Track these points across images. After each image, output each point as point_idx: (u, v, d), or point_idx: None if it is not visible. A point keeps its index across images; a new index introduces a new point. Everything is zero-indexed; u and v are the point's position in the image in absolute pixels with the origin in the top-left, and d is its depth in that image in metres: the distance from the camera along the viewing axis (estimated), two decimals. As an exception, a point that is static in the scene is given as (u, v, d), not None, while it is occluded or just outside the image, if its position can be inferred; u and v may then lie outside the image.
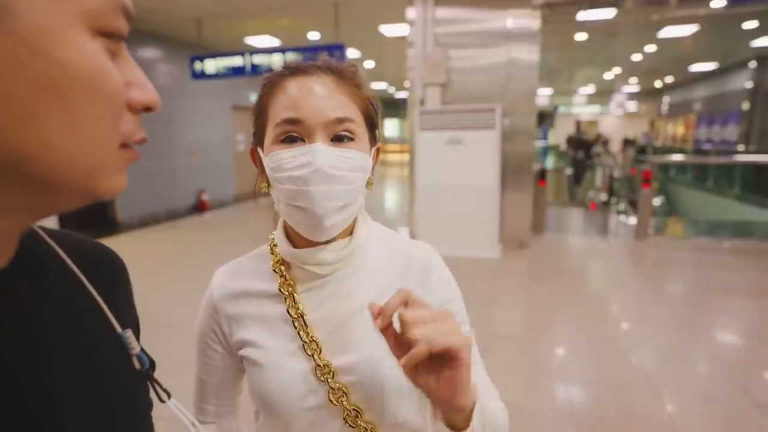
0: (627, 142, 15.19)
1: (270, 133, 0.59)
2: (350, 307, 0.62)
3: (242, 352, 0.64)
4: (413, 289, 0.60)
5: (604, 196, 8.33)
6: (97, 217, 6.47)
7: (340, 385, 0.59)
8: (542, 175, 5.84)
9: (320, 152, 0.55)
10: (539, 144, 14.28)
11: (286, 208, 0.59)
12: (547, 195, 6.32)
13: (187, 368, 2.75)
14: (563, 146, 16.51)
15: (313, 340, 0.60)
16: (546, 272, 4.46)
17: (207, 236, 6.57)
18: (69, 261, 0.38)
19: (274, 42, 7.98)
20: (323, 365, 0.59)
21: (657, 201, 8.94)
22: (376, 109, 0.65)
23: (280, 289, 0.63)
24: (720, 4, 4.83)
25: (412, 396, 0.63)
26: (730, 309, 3.50)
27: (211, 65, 6.60)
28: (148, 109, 0.32)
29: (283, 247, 0.63)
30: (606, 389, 2.43)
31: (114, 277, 0.43)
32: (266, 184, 0.63)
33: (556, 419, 2.18)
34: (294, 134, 0.57)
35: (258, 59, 6.39)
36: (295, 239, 0.63)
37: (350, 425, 0.59)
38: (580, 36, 8.44)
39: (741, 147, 11.10)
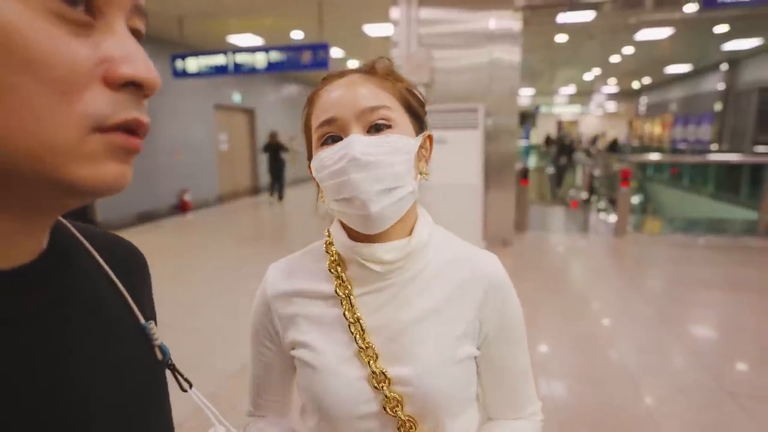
0: (594, 142, 15.71)
1: (314, 142, 0.60)
2: (408, 316, 0.60)
3: (295, 352, 0.63)
4: (478, 303, 0.63)
5: (584, 195, 8.50)
6: (75, 217, 6.31)
7: (396, 395, 0.57)
8: (524, 174, 5.94)
9: (354, 142, 0.55)
10: (521, 143, 14.49)
11: (335, 205, 0.58)
12: (529, 194, 6.43)
13: (180, 368, 2.76)
14: (543, 146, 16.85)
15: (370, 346, 0.58)
16: (529, 269, 4.54)
17: (191, 237, 6.48)
18: (96, 254, 0.39)
19: (257, 41, 7.91)
20: (379, 373, 0.57)
21: (635, 199, 9.17)
22: (418, 98, 0.64)
23: (336, 291, 0.61)
24: (693, 8, 4.99)
25: (466, 411, 0.63)
26: (704, 303, 3.63)
27: (192, 64, 6.52)
28: (139, 86, 0.28)
29: (341, 239, 0.61)
30: (587, 383, 2.50)
31: (136, 270, 0.44)
32: (324, 197, 0.62)
33: (539, 412, 2.24)
34: (333, 135, 0.58)
35: (241, 58, 6.33)
36: (353, 236, 0.61)
37: None
38: (561, 37, 8.59)
39: (714, 146, 11.46)
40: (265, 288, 0.67)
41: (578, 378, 2.55)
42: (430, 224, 0.65)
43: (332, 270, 0.62)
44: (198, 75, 6.56)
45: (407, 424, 0.57)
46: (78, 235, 0.38)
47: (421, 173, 0.62)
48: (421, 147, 0.63)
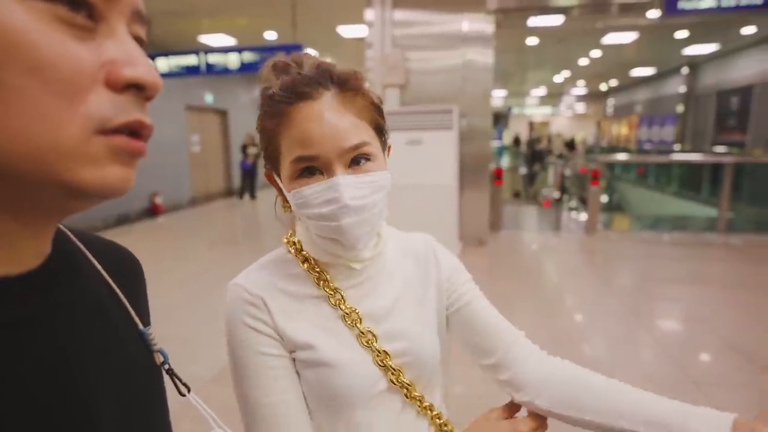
0: (549, 142, 16.32)
1: (286, 169, 0.59)
2: (386, 300, 0.67)
3: (298, 355, 0.62)
4: (430, 273, 0.71)
5: (556, 194, 8.72)
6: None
7: (397, 367, 0.64)
8: (498, 174, 6.05)
9: (343, 185, 0.56)
10: (495, 144, 14.78)
11: (318, 238, 0.62)
12: (504, 193, 6.55)
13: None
14: (513, 146, 17.31)
15: (369, 330, 0.64)
16: (504, 268, 4.63)
17: (163, 241, 6.32)
18: (94, 260, 0.39)
19: (229, 41, 7.79)
20: (381, 351, 0.64)
21: (605, 197, 9.46)
22: (382, 110, 0.65)
23: (325, 289, 0.65)
24: (655, 14, 5.20)
25: (434, 365, 0.71)
26: (670, 297, 3.78)
27: (162, 64, 6.36)
28: (141, 88, 0.29)
29: (323, 247, 0.63)
30: (561, 376, 2.56)
31: (132, 276, 0.44)
32: (287, 206, 0.65)
33: (516, 407, 2.29)
34: (313, 167, 0.58)
35: (213, 58, 6.23)
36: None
37: (407, 398, 0.66)
38: (531, 40, 8.80)
39: (677, 147, 11.95)
40: (246, 292, 0.62)
41: (553, 372, 2.62)
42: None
43: (311, 272, 0.66)
44: (168, 75, 6.40)
45: (408, 389, 0.65)
46: (76, 240, 0.38)
47: None
48: None
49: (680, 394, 2.36)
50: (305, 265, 0.66)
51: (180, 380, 0.44)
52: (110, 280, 0.39)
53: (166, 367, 0.42)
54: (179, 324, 3.30)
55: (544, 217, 7.35)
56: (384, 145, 0.65)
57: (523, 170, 12.09)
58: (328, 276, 0.65)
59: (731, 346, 2.83)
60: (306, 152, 0.56)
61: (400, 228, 0.76)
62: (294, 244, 0.67)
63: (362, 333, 0.63)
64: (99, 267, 0.39)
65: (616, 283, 4.24)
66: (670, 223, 7.08)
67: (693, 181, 8.97)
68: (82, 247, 0.38)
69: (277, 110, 0.59)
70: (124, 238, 6.22)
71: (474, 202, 5.28)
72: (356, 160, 0.58)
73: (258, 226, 7.79)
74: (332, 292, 0.64)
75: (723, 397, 2.30)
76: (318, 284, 0.65)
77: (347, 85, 0.59)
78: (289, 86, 0.58)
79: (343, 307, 0.64)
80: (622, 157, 10.95)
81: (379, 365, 0.63)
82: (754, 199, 7.58)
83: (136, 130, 0.29)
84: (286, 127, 0.58)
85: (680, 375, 2.53)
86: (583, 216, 6.42)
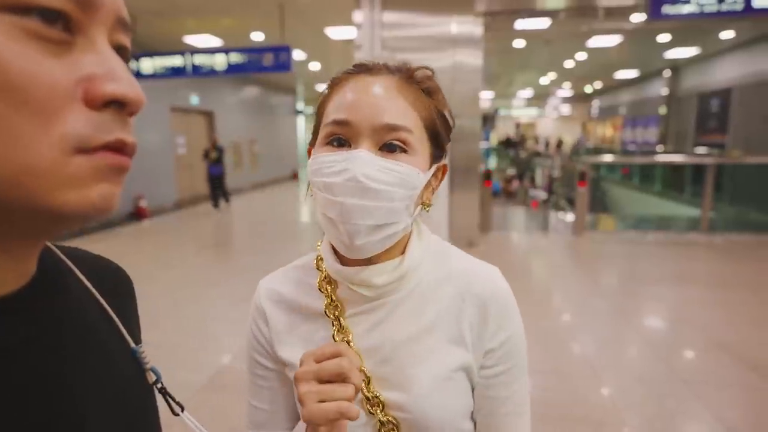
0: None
1: (321, 134, 0.54)
2: (401, 336, 0.56)
3: (288, 373, 0.60)
4: (464, 322, 0.56)
5: (544, 195, 8.81)
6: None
7: (391, 418, 0.54)
8: (487, 175, 6.09)
9: (360, 159, 0.49)
10: (483, 145, 14.91)
11: (322, 218, 0.53)
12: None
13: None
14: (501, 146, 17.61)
15: (362, 370, 0.54)
16: (494, 269, 4.65)
17: (148, 246, 6.21)
18: (83, 277, 0.37)
19: (214, 42, 7.71)
20: (372, 397, 0.54)
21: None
22: (447, 122, 0.58)
23: (326, 312, 0.57)
24: (639, 18, 5.29)
25: (452, 428, 0.59)
26: (655, 296, 3.84)
27: (147, 64, 6.26)
28: (122, 104, 0.27)
29: (330, 262, 0.57)
30: (553, 377, 2.58)
31: (123, 293, 0.43)
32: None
33: (510, 409, 2.29)
34: (341, 137, 0.52)
35: (199, 59, 6.15)
36: (342, 258, 0.57)
37: None
38: (519, 42, 8.88)
39: (660, 147, 12.19)
40: (259, 296, 0.63)
41: (545, 372, 2.63)
42: (426, 238, 0.61)
43: (322, 289, 0.58)
44: (153, 76, 6.31)
45: None
46: (65, 258, 0.37)
47: (423, 204, 0.57)
48: (431, 175, 0.58)
49: (671, 394, 2.40)
50: (319, 278, 0.59)
51: (173, 399, 0.43)
52: (100, 298, 0.38)
53: (159, 385, 0.41)
54: (166, 331, 3.23)
55: (532, 218, 7.41)
56: (437, 159, 0.57)
57: (511, 171, 12.25)
58: (333, 295, 0.57)
59: (719, 345, 2.88)
60: (339, 116, 0.51)
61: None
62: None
63: None
64: (89, 285, 0.38)
65: (604, 282, 4.29)
66: (655, 224, 7.21)
67: (676, 181, 9.15)
68: (70, 264, 0.37)
69: (335, 80, 0.56)
70: (108, 242, 6.09)
71: (464, 203, 5.29)
72: (391, 146, 0.51)
73: (246, 230, 7.71)
74: (333, 318, 0.57)
75: (712, 395, 2.34)
76: (325, 303, 0.58)
77: (413, 76, 0.56)
78: (357, 63, 0.57)
79: (337, 339, 0.56)
80: (607, 158, 11.10)
81: (368, 412, 0.54)
82: (734, 199, 7.76)
83: (118, 149, 0.27)
84: (336, 93, 0.54)
85: (668, 373, 2.56)
86: (571, 216, 6.50)
